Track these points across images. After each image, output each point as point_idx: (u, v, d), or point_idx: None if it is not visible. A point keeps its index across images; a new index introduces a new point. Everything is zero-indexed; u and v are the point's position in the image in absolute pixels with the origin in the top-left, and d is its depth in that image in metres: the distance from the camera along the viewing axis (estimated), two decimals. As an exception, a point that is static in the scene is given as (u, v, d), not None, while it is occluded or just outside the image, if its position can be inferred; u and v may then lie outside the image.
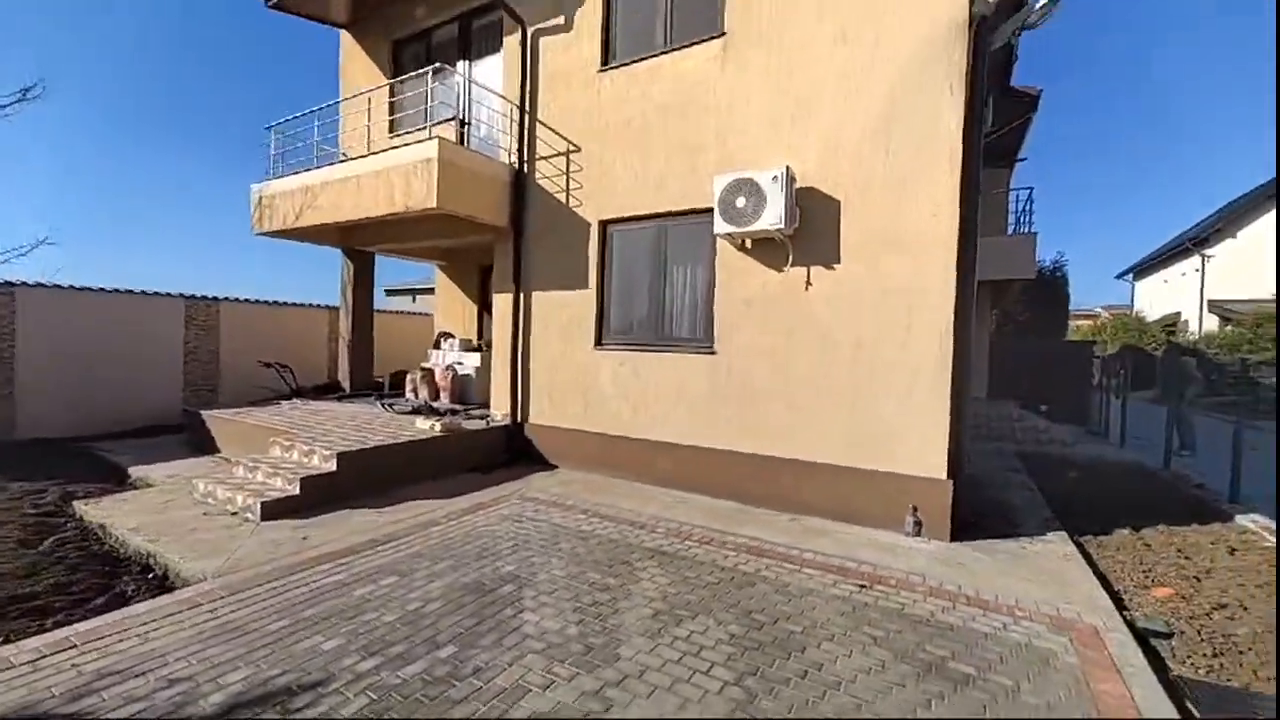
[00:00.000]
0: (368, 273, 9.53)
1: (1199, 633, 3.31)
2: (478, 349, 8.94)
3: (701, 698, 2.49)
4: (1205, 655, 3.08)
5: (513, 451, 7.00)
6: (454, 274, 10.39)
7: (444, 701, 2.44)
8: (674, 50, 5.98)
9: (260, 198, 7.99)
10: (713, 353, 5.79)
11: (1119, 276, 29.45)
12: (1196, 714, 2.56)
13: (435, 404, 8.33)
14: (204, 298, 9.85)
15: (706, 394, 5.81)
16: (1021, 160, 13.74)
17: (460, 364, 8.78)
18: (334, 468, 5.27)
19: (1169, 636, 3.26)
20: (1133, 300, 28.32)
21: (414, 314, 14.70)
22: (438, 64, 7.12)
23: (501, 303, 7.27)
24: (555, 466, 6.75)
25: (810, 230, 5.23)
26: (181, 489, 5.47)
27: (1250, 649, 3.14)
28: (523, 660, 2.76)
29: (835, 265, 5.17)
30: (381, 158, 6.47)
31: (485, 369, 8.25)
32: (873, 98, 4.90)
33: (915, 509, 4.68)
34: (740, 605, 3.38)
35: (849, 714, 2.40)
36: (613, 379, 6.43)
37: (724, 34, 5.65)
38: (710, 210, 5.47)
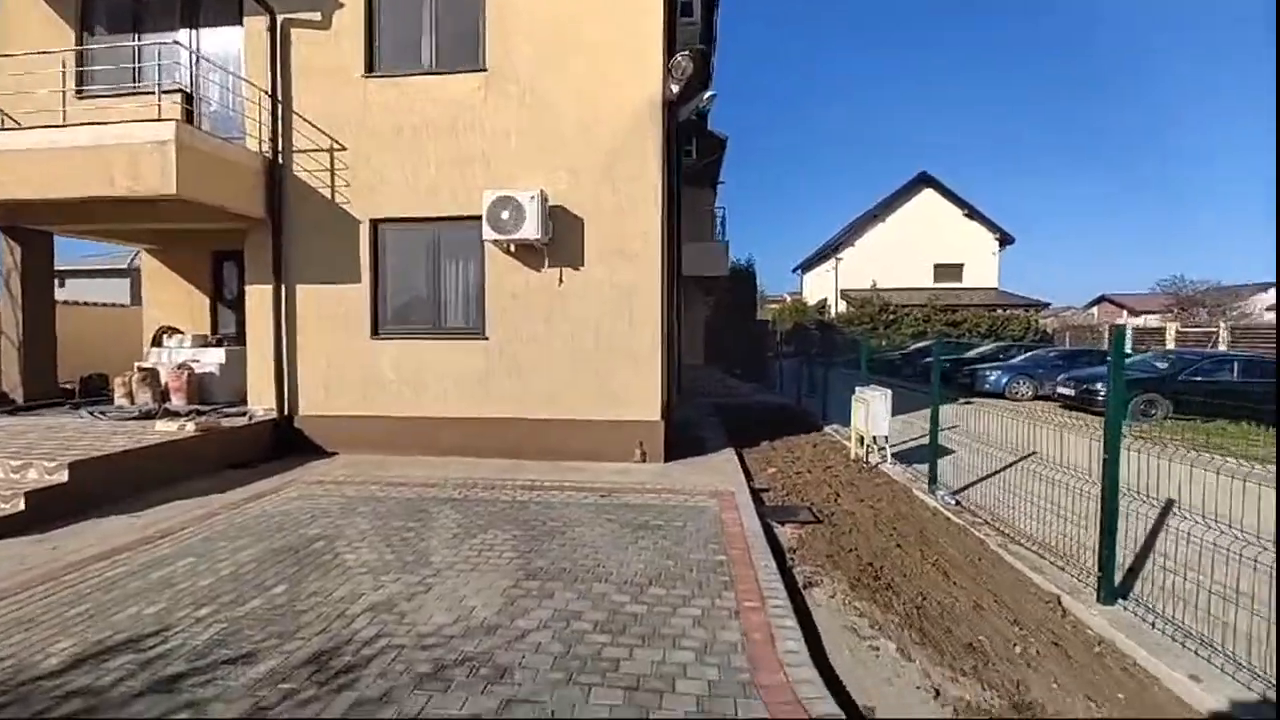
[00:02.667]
0: (45, 258, 7.83)
1: (783, 486, 5.83)
2: (218, 344, 8.25)
3: (496, 566, 3.71)
4: (783, 495, 5.54)
5: (282, 445, 6.96)
6: (173, 261, 9.11)
7: (292, 614, 3.14)
8: (442, 74, 6.75)
9: None
10: (485, 338, 6.85)
11: (793, 271, 39.14)
12: (772, 522, 4.77)
13: (170, 406, 7.50)
14: None
15: (482, 373, 6.86)
16: (721, 183, 17.75)
17: (197, 361, 8.00)
18: (65, 479, 4.81)
19: (768, 490, 5.69)
20: (801, 288, 37.95)
21: (99, 305, 11.97)
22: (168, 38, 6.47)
23: (260, 295, 7.05)
24: (334, 454, 6.99)
25: (562, 240, 6.68)
26: None
27: (802, 491, 5.71)
28: (353, 580, 3.56)
29: (581, 268, 6.72)
30: (92, 131, 5.75)
31: (232, 365, 7.76)
32: (602, 145, 6.54)
33: (641, 444, 6.58)
34: (519, 519, 4.66)
35: (593, 557, 3.89)
36: (393, 366, 6.98)
37: (485, 70, 6.66)
38: (480, 217, 6.47)
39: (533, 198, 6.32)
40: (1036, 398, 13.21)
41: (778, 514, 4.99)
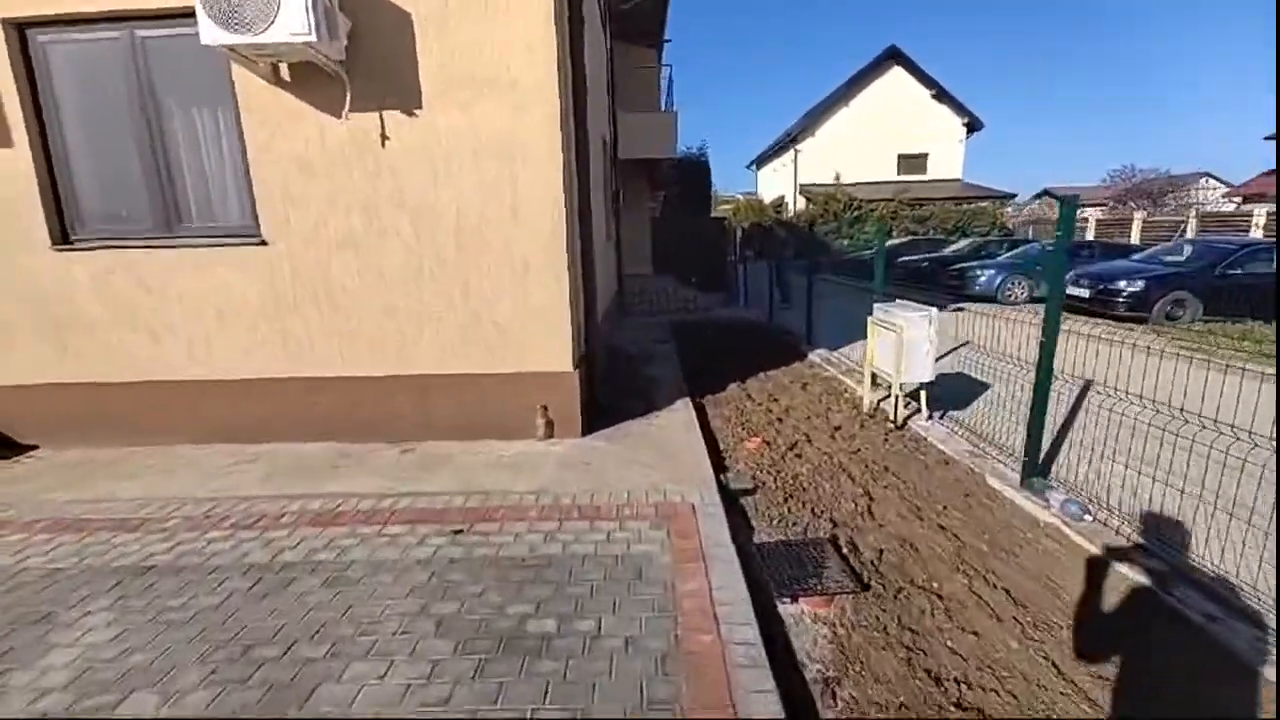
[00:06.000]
0: None
1: (775, 479, 3.50)
2: None
3: None
4: (778, 502, 3.22)
5: (-76, 440, 4.05)
6: None
7: None
8: None
9: None
10: (263, 243, 3.93)
11: (747, 167, 35.65)
12: (776, 591, 2.46)
13: None
14: None
15: (266, 302, 4.01)
16: (668, 41, 14.02)
17: None
18: None
19: (753, 491, 3.35)
20: (756, 186, 34.82)
21: None
22: None
23: None
24: (32, 448, 4.14)
25: (375, 56, 3.64)
26: None
27: (808, 487, 3.42)
28: None
29: (418, 112, 3.76)
30: None
31: None
32: None
33: (545, 409, 4.07)
34: (247, 629, 2.14)
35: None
36: (101, 295, 4.01)
37: None
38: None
39: (294, -43, 3.18)
40: (1033, 299, 11.40)
41: (779, 567, 2.66)
